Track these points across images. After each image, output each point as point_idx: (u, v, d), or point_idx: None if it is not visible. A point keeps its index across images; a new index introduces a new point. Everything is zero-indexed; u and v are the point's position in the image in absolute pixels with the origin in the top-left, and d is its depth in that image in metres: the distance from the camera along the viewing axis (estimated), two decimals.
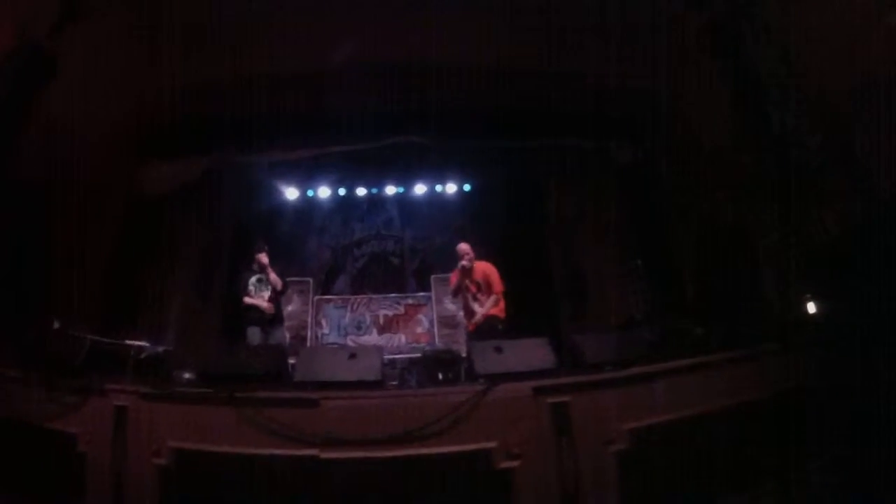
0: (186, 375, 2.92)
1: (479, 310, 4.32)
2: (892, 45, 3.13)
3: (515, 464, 2.45)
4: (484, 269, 4.45)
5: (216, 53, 4.54)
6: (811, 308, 3.65)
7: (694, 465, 2.63)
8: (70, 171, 4.15)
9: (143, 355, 2.99)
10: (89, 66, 4.15)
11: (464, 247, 4.41)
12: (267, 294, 4.71)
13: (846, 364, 2.94)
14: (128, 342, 3.14)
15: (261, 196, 7.17)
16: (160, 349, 3.19)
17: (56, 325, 3.26)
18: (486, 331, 4.20)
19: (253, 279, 4.74)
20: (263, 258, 4.70)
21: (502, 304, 4.41)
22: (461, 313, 6.52)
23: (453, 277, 4.57)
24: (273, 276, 4.66)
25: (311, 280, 7.39)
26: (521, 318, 4.59)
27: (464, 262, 4.31)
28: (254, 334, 4.65)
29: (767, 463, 2.79)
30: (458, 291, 4.46)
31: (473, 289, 4.39)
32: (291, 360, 3.01)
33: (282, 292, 4.88)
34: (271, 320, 4.72)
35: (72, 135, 4.12)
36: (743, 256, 4.01)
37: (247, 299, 4.70)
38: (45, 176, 4.01)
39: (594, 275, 6.37)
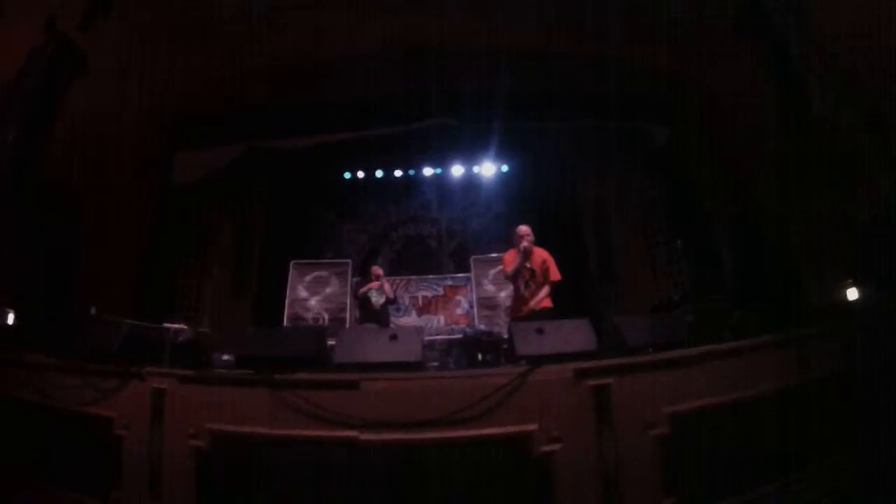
0: (225, 358, 2.93)
1: (534, 298, 4.09)
2: None
3: (556, 447, 2.40)
4: (543, 256, 4.24)
5: (247, 42, 4.55)
6: (850, 294, 3.57)
7: (734, 451, 2.58)
8: (102, 163, 4.18)
9: (180, 339, 2.99)
10: (119, 58, 4.16)
11: (525, 228, 4.19)
12: (382, 300, 5.44)
13: (885, 349, 2.88)
14: (165, 325, 3.16)
15: (295, 181, 7.21)
16: (198, 332, 3.20)
17: (93, 311, 3.28)
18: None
19: (374, 291, 5.45)
20: (377, 270, 5.54)
21: (550, 294, 4.18)
22: (501, 295, 6.41)
23: (508, 259, 4.31)
24: (387, 286, 5.47)
25: (349, 262, 7.42)
26: (557, 301, 4.49)
27: (524, 244, 4.08)
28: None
29: (806, 449, 2.74)
30: (516, 275, 4.19)
31: (528, 275, 4.15)
32: (331, 342, 2.98)
33: (393, 301, 5.67)
34: (383, 321, 5.44)
35: (103, 127, 4.14)
36: (779, 239, 3.93)
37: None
38: (77, 168, 4.04)
39: (630, 256, 6.31)
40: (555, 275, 4.20)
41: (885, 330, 2.95)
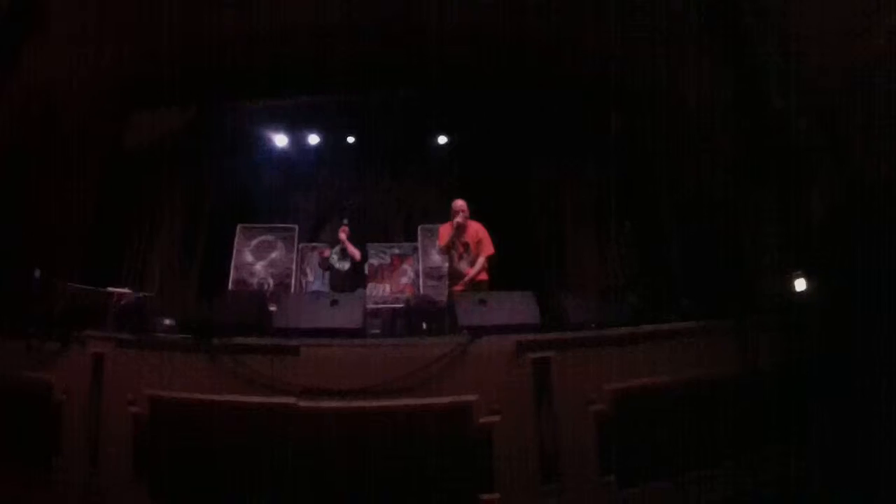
0: (167, 322, 2.89)
1: (470, 271, 4.15)
2: (890, 43, 3.12)
3: (495, 419, 2.42)
4: (477, 229, 4.29)
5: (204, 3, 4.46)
6: (798, 285, 3.64)
7: (673, 433, 2.60)
8: (52, 124, 4.07)
9: (123, 303, 2.93)
10: (74, 17, 4.05)
11: (460, 203, 4.25)
12: (347, 265, 5.29)
13: (827, 341, 2.93)
14: (109, 290, 3.10)
15: (246, 146, 7.07)
16: (141, 296, 3.12)
17: (37, 274, 3.20)
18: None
19: (336, 250, 5.36)
20: (342, 234, 5.34)
21: (486, 267, 4.24)
22: (447, 265, 6.56)
23: (443, 232, 4.38)
24: (351, 248, 5.26)
25: (296, 227, 7.33)
26: (504, 280, 4.48)
27: (458, 220, 4.15)
28: None
29: (738, 439, 2.76)
30: (448, 249, 4.27)
31: (462, 249, 4.22)
32: (272, 308, 2.95)
33: (361, 262, 5.45)
34: (351, 286, 5.20)
35: (54, 88, 4.04)
36: (728, 231, 4.01)
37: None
38: (26, 129, 3.93)
39: (579, 238, 6.35)
40: (488, 249, 4.25)
41: (828, 325, 3.00)
